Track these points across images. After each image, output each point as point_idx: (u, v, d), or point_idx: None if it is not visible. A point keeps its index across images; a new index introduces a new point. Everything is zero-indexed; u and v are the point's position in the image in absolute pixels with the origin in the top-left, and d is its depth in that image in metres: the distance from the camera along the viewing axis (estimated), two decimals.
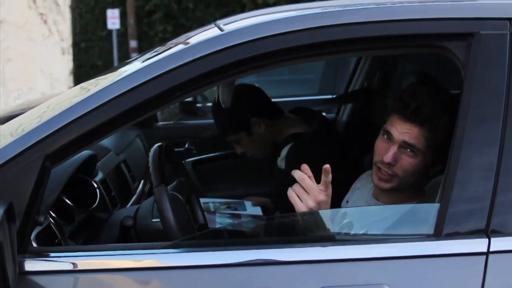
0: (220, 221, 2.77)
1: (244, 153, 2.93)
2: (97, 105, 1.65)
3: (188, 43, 1.85)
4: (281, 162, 2.77)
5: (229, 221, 2.81)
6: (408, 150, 1.91)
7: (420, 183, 2.00)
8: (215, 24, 1.97)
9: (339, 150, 2.77)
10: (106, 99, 1.65)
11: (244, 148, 2.91)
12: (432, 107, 1.88)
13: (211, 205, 2.97)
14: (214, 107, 2.92)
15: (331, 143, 2.78)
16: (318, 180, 1.83)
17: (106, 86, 1.70)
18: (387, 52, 1.97)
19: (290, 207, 2.67)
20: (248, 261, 1.60)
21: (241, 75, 1.74)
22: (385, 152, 1.93)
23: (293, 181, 2.64)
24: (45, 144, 1.63)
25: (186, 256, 1.65)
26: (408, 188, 1.98)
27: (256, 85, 3.05)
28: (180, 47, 1.81)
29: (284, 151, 2.75)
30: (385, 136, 1.95)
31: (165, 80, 1.66)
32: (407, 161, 1.92)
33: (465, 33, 1.66)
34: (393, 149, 1.92)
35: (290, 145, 2.74)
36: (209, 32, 1.87)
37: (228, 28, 1.81)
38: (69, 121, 1.64)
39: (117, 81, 1.71)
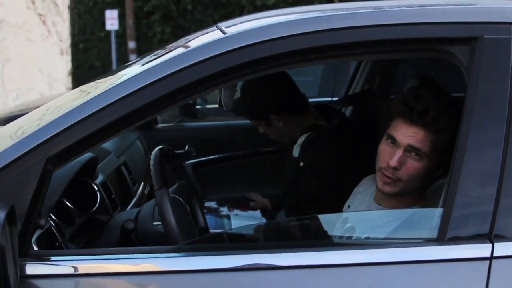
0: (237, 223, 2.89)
1: (266, 134, 2.89)
2: (99, 108, 1.64)
3: (189, 46, 1.85)
4: (296, 149, 2.76)
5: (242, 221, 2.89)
6: (413, 154, 1.90)
7: (423, 187, 1.99)
8: (217, 27, 1.96)
9: (353, 149, 2.74)
10: (108, 102, 1.64)
11: (264, 131, 2.87)
12: (437, 110, 1.87)
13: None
14: (236, 100, 2.73)
15: (348, 140, 2.76)
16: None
17: (108, 89, 1.68)
18: (389, 56, 1.96)
19: (297, 198, 2.67)
20: (250, 265, 1.59)
21: (244, 78, 1.73)
22: (389, 156, 1.91)
23: (303, 168, 2.64)
24: (46, 147, 1.62)
25: (188, 260, 1.64)
26: (411, 193, 1.97)
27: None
28: (182, 50, 1.80)
29: (301, 139, 2.74)
30: (389, 141, 1.93)
31: (168, 83, 1.65)
32: (412, 165, 1.91)
33: (468, 37, 1.65)
34: (399, 153, 1.90)
35: (308, 134, 2.73)
36: (211, 34, 1.86)
37: (231, 30, 1.81)
38: (71, 124, 1.63)
39: (119, 84, 1.69)
